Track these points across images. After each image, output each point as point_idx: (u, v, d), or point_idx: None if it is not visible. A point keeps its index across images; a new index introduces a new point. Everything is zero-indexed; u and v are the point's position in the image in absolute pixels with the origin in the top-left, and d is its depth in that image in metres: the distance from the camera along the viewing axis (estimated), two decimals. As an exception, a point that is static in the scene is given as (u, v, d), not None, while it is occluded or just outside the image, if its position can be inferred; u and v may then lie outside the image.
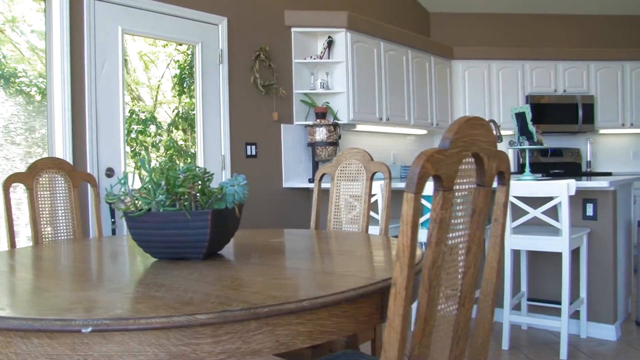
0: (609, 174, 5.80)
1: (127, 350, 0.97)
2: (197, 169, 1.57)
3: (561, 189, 2.89)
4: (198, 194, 1.53)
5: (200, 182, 1.50)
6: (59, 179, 2.34)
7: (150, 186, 1.55)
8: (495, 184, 1.19)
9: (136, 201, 1.55)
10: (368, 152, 2.22)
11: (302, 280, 1.26)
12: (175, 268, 1.44)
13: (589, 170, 6.41)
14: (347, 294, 1.10)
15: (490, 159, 1.12)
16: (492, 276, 1.26)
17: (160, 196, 1.51)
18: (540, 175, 5.51)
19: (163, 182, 1.51)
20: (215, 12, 4.03)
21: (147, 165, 1.60)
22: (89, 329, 0.95)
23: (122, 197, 1.59)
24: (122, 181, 1.58)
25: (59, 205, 2.32)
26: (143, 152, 4.92)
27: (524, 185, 3.04)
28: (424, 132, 5.82)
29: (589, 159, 6.44)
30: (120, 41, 3.52)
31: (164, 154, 5.02)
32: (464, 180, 1.08)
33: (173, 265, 1.49)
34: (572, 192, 2.87)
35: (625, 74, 6.21)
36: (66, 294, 1.21)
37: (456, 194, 1.05)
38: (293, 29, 4.54)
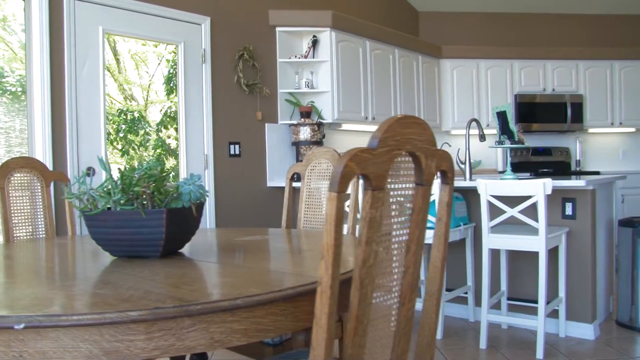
0: (597, 173, 5.80)
1: (61, 347, 0.99)
2: (156, 169, 1.58)
3: (537, 188, 2.90)
4: (155, 193, 1.55)
5: (155, 182, 1.51)
6: (31, 178, 2.35)
7: (110, 185, 1.56)
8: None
9: (94, 200, 1.57)
10: (337, 152, 2.23)
11: (246, 278, 1.27)
12: (130, 266, 1.45)
13: (578, 169, 6.41)
14: (285, 292, 1.10)
15: (428, 158, 1.13)
16: (436, 275, 1.26)
17: (117, 195, 1.53)
18: (529, 174, 5.52)
19: (119, 181, 1.52)
20: (198, 12, 4.04)
21: (105, 165, 1.61)
22: (22, 326, 0.96)
23: (81, 196, 1.60)
24: (80, 180, 1.59)
25: (32, 204, 2.33)
26: (131, 152, 4.93)
27: (501, 185, 3.05)
28: (412, 131, 5.82)
29: (578, 158, 6.45)
30: (101, 41, 3.53)
31: (153, 154, 5.03)
32: (400, 180, 1.09)
33: (129, 263, 1.50)
34: (548, 192, 2.88)
35: (615, 73, 6.22)
36: (12, 291, 1.22)
37: (392, 192, 1.06)
38: (277, 29, 4.55)
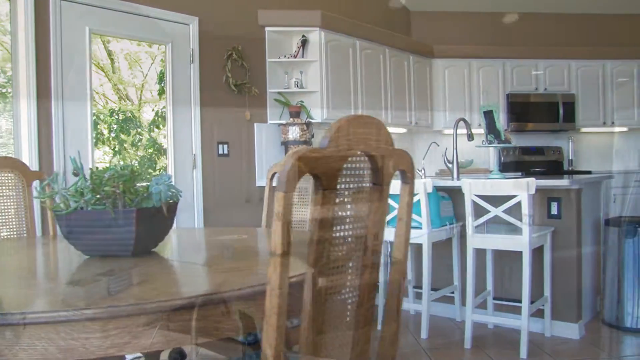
0: (589, 172, 5.81)
1: (16, 345, 0.99)
2: (127, 169, 1.59)
3: (521, 188, 2.90)
4: (126, 193, 1.56)
5: (124, 182, 1.52)
6: (13, 178, 2.36)
7: (83, 185, 1.57)
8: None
9: (66, 200, 1.58)
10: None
11: (212, 277, 1.28)
12: (100, 265, 1.46)
13: (570, 168, 6.42)
14: (244, 291, 1.11)
15: (385, 158, 1.13)
16: (398, 276, 1.27)
17: (87, 195, 1.53)
18: (521, 174, 5.53)
19: (89, 182, 1.53)
20: (186, 12, 4.05)
21: (77, 164, 1.62)
22: (-25, 325, 0.97)
23: (53, 196, 1.61)
24: (52, 180, 1.60)
25: (13, 204, 2.34)
26: (120, 154, 4.94)
27: (485, 184, 3.06)
28: (403, 130, 5.84)
29: (570, 158, 6.45)
30: (87, 42, 3.54)
31: (145, 153, 5.04)
32: (355, 179, 1.09)
33: (100, 262, 1.51)
34: (532, 191, 2.88)
35: (607, 72, 6.22)
36: (-24, 291, 1.23)
37: (346, 192, 1.07)
38: (267, 28, 4.56)
